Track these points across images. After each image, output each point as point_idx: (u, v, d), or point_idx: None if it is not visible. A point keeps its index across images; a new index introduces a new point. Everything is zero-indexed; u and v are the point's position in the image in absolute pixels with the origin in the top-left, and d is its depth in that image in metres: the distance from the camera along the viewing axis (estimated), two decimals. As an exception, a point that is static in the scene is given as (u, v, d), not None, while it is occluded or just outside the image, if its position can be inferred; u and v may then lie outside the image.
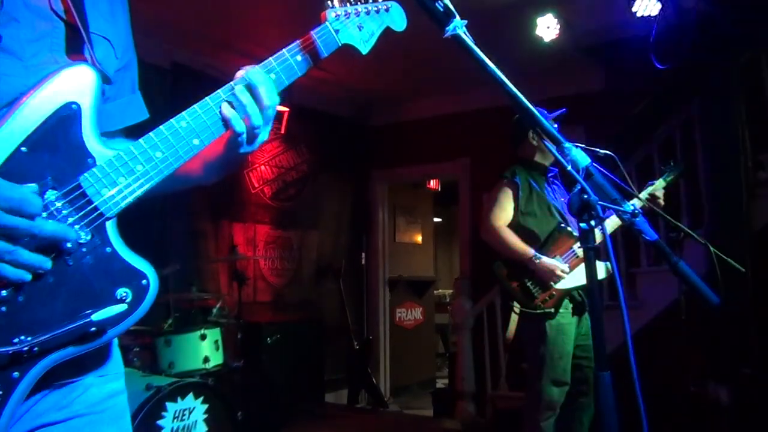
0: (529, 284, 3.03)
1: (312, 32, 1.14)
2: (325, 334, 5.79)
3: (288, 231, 6.08)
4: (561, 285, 3.01)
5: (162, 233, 4.73)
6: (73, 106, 0.94)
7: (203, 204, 5.24)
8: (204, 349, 3.66)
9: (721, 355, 3.75)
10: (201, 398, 3.21)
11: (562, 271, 2.99)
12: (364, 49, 1.20)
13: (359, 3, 1.20)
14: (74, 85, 0.95)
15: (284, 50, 1.11)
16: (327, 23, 1.15)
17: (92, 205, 0.93)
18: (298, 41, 1.13)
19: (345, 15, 1.17)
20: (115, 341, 1.11)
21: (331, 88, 5.98)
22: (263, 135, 1.07)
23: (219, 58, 5.02)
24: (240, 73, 1.05)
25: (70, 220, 0.91)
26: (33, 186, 0.89)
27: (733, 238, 3.93)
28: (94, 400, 1.04)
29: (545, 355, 2.99)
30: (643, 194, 3.11)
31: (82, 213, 0.92)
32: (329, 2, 1.18)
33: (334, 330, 6.17)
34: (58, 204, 0.91)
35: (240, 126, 1.03)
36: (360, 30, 1.19)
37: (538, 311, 3.00)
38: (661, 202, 3.10)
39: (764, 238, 3.98)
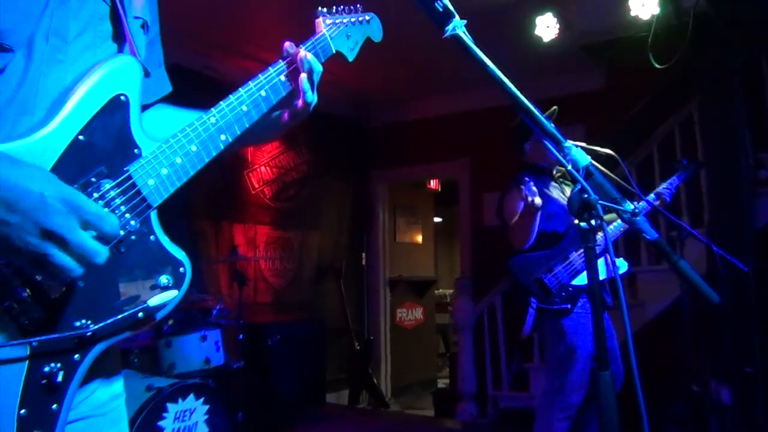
0: (545, 279, 3.03)
1: (311, 39, 1.21)
2: (326, 335, 5.78)
3: (288, 231, 6.07)
4: (578, 281, 3.00)
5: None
6: (122, 98, 0.97)
7: (203, 205, 5.24)
8: (205, 350, 3.66)
9: (723, 354, 3.75)
10: (202, 399, 3.21)
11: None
12: (351, 57, 1.30)
13: (346, 13, 1.30)
14: (123, 76, 0.98)
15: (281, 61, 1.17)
16: (324, 32, 1.23)
17: (141, 196, 0.96)
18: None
19: (335, 24, 1.26)
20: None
21: (330, 88, 5.96)
22: (313, 97, 1.18)
23: (218, 59, 5.02)
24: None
25: (123, 209, 0.95)
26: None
27: (734, 237, 3.93)
28: (98, 402, 1.04)
29: (564, 354, 2.97)
30: (658, 189, 3.21)
31: (132, 203, 0.96)
32: (322, 10, 1.26)
33: (335, 330, 6.17)
34: (112, 194, 0.93)
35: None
36: (347, 39, 1.28)
37: (555, 307, 2.98)
38: (667, 200, 3.15)
39: (765, 237, 3.98)
